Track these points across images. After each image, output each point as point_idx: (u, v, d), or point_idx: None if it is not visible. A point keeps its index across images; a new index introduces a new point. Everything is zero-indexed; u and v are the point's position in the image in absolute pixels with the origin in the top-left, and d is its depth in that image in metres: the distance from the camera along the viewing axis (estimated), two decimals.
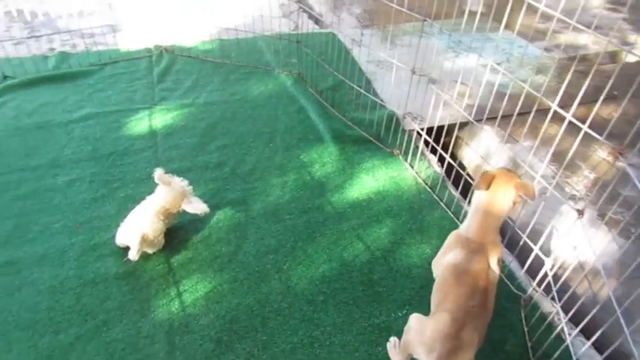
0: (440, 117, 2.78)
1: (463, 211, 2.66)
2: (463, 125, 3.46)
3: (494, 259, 1.84)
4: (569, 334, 1.97)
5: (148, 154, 3.06)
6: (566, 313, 1.93)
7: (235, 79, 3.88)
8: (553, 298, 2.12)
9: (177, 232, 2.55)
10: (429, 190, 2.86)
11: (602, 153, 3.11)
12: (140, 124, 3.32)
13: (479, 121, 2.78)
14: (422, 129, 2.93)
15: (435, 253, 2.45)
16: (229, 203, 2.74)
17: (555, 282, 2.03)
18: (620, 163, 2.95)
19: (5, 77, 3.68)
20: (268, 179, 2.92)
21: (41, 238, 2.49)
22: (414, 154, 3.06)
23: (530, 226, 2.17)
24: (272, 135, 3.29)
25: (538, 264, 2.24)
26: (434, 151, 3.09)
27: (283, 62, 4.07)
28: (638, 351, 2.07)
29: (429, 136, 3.04)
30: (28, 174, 2.87)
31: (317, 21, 5.09)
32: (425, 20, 2.64)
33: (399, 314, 2.19)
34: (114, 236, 2.47)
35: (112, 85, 3.70)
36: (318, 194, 2.82)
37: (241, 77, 3.92)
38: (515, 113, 2.26)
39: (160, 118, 3.38)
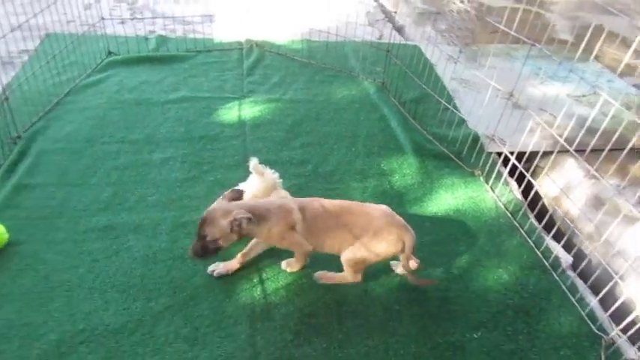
0: (524, 143, 2.76)
1: (544, 244, 2.63)
2: (545, 155, 3.42)
3: None
4: None
5: (236, 143, 3.20)
6: None
7: (320, 81, 3.98)
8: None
9: None
10: (509, 215, 2.84)
11: None
12: (230, 112, 3.47)
13: (563, 152, 2.74)
14: (511, 153, 2.91)
15: (513, 280, 2.46)
16: None
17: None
18: None
19: (110, 53, 3.94)
20: (349, 182, 2.99)
21: (137, 208, 2.66)
22: (497, 178, 3.05)
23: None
24: (354, 139, 3.36)
25: (623, 309, 2.19)
26: (512, 176, 3.07)
27: (368, 69, 4.14)
28: None
29: (508, 161, 3.02)
30: (127, 146, 3.07)
31: (401, 32, 5.13)
32: (533, 45, 2.64)
33: (474, 336, 2.20)
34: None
35: (205, 73, 3.89)
36: (398, 204, 2.87)
37: (326, 79, 4.02)
38: (607, 149, 2.23)
39: (249, 109, 3.53)
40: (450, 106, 3.32)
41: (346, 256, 2.23)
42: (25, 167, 2.83)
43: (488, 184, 3.05)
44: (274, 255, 2.47)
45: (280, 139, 3.28)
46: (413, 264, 2.34)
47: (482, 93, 3.36)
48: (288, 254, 2.40)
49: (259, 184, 2.54)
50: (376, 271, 2.45)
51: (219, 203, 2.18)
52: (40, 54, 3.84)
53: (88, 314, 2.14)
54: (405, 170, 3.12)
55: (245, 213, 2.05)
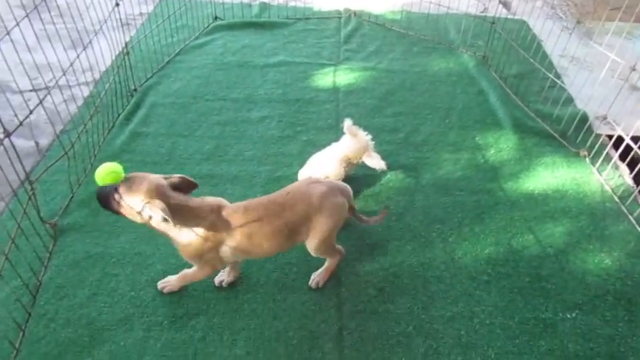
0: (629, 126, 2.52)
1: None
2: None
3: None
4: None
5: (329, 107, 3.26)
6: None
7: (417, 52, 3.90)
8: None
9: (350, 182, 2.65)
10: (616, 200, 2.63)
11: None
12: (325, 78, 3.53)
13: None
14: (634, 138, 2.66)
15: (616, 266, 2.30)
16: (401, 167, 2.82)
17: None
18: None
19: (216, 18, 4.15)
20: (440, 153, 2.94)
21: (236, 160, 2.83)
22: (605, 160, 2.82)
23: None
24: (448, 111, 3.27)
25: None
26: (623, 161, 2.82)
27: (469, 43, 3.98)
28: None
29: (619, 144, 2.77)
30: (228, 104, 3.25)
31: (506, 6, 4.85)
32: None
33: (568, 316, 2.09)
34: (295, 173, 2.71)
35: (303, 39, 3.97)
36: (491, 178, 2.77)
37: (423, 51, 3.93)
38: None
39: (343, 76, 3.56)
40: (558, 82, 3.11)
41: (313, 246, 2.02)
42: (140, 117, 3.10)
43: (594, 166, 2.84)
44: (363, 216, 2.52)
45: (373, 107, 3.28)
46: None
47: (595, 72, 3.11)
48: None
49: (352, 144, 2.57)
50: (464, 240, 2.41)
51: (153, 177, 1.79)
52: (154, 17, 4.14)
53: None
54: (501, 145, 2.99)
55: (164, 211, 1.69)
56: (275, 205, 1.91)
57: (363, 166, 2.68)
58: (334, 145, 2.65)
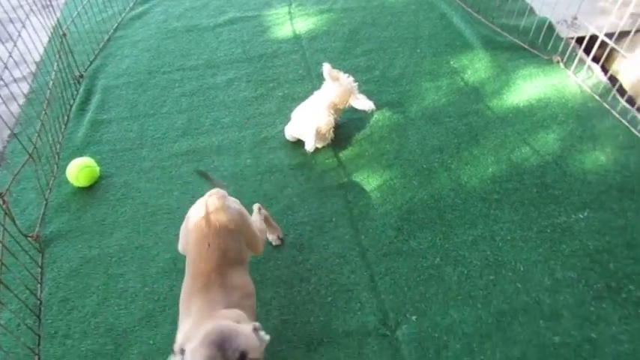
0: (598, 25, 2.54)
1: None
2: (621, 36, 3.17)
3: None
4: None
5: (296, 57, 3.09)
6: None
7: None
8: None
9: (340, 129, 2.60)
10: (597, 98, 2.69)
11: None
12: (283, 28, 3.33)
13: None
14: (592, 36, 2.69)
15: (612, 161, 2.37)
16: (385, 105, 2.74)
17: None
18: None
19: None
20: (420, 83, 2.87)
21: (214, 130, 2.64)
22: (577, 63, 2.85)
23: None
24: (416, 41, 3.18)
25: None
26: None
27: None
28: None
29: (582, 45, 2.80)
30: (189, 73, 3.01)
31: None
32: None
33: (580, 216, 2.15)
34: (281, 131, 2.58)
35: None
36: (475, 99, 2.75)
37: None
38: None
39: (301, 22, 3.37)
40: None
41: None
42: (96, 104, 2.82)
43: (569, 69, 2.87)
44: (363, 161, 2.44)
45: (340, 49, 3.14)
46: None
47: None
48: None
49: (336, 89, 2.45)
50: (466, 164, 2.40)
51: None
52: None
53: None
54: (476, 65, 2.96)
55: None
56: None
57: (348, 110, 2.59)
58: (317, 93, 2.52)
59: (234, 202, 1.73)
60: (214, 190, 1.71)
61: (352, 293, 1.95)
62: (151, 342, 1.83)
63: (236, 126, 2.66)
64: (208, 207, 1.62)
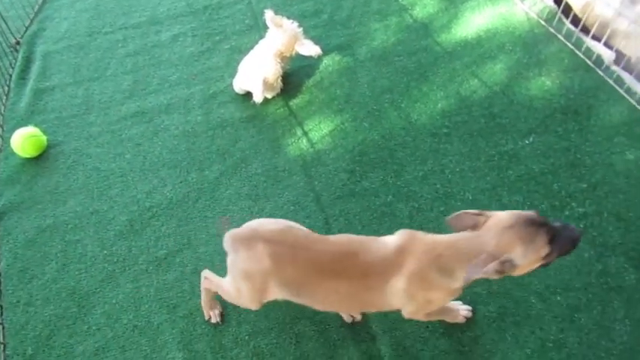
0: None
1: (584, 45, 2.52)
2: None
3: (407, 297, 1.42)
4: None
5: (242, 6, 2.99)
6: None
7: None
8: None
9: (289, 78, 2.57)
10: (543, 24, 2.69)
11: None
12: None
13: None
14: None
15: (557, 85, 2.41)
16: (335, 49, 2.70)
17: None
18: None
19: None
20: (369, 24, 2.82)
21: (162, 89, 2.59)
22: None
23: None
24: None
25: None
26: None
27: None
28: None
29: None
30: (132, 32, 2.90)
31: None
32: None
33: (526, 142, 2.21)
34: (230, 85, 2.54)
35: None
36: (424, 35, 2.72)
37: None
38: None
39: None
40: None
41: None
42: (37, 71, 2.71)
43: None
44: (314, 108, 2.44)
45: None
46: None
47: None
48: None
49: (280, 37, 2.40)
50: (415, 102, 2.41)
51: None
52: None
53: (148, 193, 2.19)
54: (424, 1, 2.91)
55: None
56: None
57: (298, 57, 2.55)
58: (262, 42, 2.46)
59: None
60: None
61: None
62: (114, 301, 1.87)
63: (184, 83, 2.61)
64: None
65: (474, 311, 1.78)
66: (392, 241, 1.44)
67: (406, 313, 1.52)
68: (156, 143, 2.37)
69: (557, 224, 1.31)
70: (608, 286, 1.81)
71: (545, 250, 1.28)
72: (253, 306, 1.59)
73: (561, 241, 1.30)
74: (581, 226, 1.95)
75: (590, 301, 1.78)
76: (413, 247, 1.39)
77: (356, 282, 1.43)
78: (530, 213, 1.31)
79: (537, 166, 2.13)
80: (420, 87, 2.48)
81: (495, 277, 1.27)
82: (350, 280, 1.43)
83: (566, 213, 1.99)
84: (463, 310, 1.75)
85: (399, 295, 1.42)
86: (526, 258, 1.27)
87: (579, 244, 1.34)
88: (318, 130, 2.35)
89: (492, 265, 1.25)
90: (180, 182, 2.21)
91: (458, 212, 1.37)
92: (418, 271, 1.37)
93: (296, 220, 2.01)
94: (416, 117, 2.36)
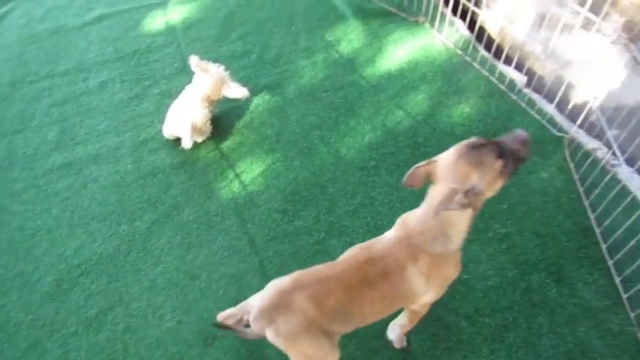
0: None
1: (497, 70, 2.68)
2: None
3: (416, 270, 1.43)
4: (614, 165, 2.10)
5: (171, 50, 3.00)
6: (608, 147, 2.05)
7: None
8: (597, 136, 2.23)
9: (219, 120, 2.60)
10: (460, 53, 2.85)
11: None
12: (156, 20, 3.21)
13: None
14: None
15: (475, 111, 2.54)
16: (264, 88, 2.75)
17: (593, 127, 2.11)
18: None
19: None
20: (297, 62, 2.90)
21: (90, 139, 2.55)
22: (441, 21, 2.99)
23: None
24: (291, 18, 3.19)
25: (578, 109, 2.31)
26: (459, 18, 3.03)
27: None
28: None
29: (449, 2, 2.95)
30: (58, 80, 2.85)
31: None
32: None
33: None
34: (160, 130, 2.53)
35: None
36: (350, 70, 2.82)
37: None
38: None
39: (175, 12, 3.26)
40: None
41: None
42: None
43: (434, 28, 3.00)
44: (246, 149, 2.46)
45: (216, 36, 3.08)
46: None
47: None
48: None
49: (207, 81, 2.43)
50: (344, 136, 2.48)
51: None
52: None
53: (77, 249, 2.13)
54: (350, 36, 3.02)
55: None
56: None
57: (227, 99, 2.58)
58: (188, 87, 2.48)
59: None
60: None
61: (243, 282, 2.00)
62: None
63: (113, 131, 2.58)
64: None
65: (409, 342, 1.83)
66: (391, 234, 1.48)
67: (427, 301, 1.53)
68: (84, 196, 2.32)
69: (500, 138, 1.36)
70: (531, 302, 1.90)
71: (498, 164, 1.31)
72: (333, 356, 1.49)
73: (510, 149, 1.34)
74: (504, 246, 2.05)
75: (517, 319, 1.86)
76: (409, 232, 1.43)
77: (384, 284, 1.44)
78: (470, 140, 1.35)
79: None
80: (347, 121, 2.55)
81: (468, 209, 1.31)
82: (381, 284, 1.44)
83: (490, 234, 2.09)
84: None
85: (419, 282, 1.45)
86: (484, 180, 1.31)
87: (529, 154, 1.37)
88: (250, 172, 2.37)
89: (458, 198, 1.28)
90: (111, 235, 2.17)
91: (410, 170, 1.42)
92: (421, 252, 1.41)
93: (230, 266, 2.05)
94: (345, 151, 2.42)
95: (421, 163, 1.41)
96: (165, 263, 2.07)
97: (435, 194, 1.38)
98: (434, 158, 1.40)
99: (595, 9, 2.16)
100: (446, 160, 1.36)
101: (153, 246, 2.12)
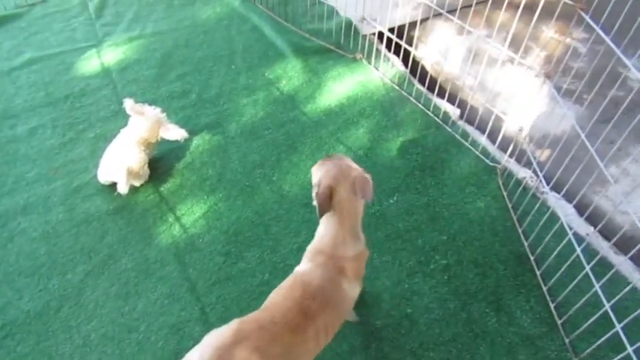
0: (394, 18, 2.80)
1: (432, 104, 2.79)
2: (416, 25, 3.51)
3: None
4: (543, 192, 2.21)
5: (107, 92, 2.93)
6: (537, 176, 2.15)
7: (180, 5, 3.67)
8: (526, 164, 2.34)
9: (159, 162, 2.53)
10: (396, 87, 2.94)
11: (551, 32, 3.27)
12: (90, 62, 3.13)
13: (437, 16, 2.83)
14: (391, 30, 2.93)
15: (413, 144, 2.61)
16: (204, 128, 2.72)
17: (523, 155, 2.23)
18: (569, 40, 3.14)
19: None
20: (237, 100, 2.90)
21: (18, 189, 2.40)
22: (377, 57, 3.10)
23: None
24: (231, 57, 3.20)
25: (508, 139, 2.43)
26: (395, 53, 3.15)
27: None
28: (598, 199, 2.35)
29: (384, 38, 3.07)
30: None
31: None
32: None
33: (391, 201, 2.34)
34: (95, 176, 2.43)
35: (48, 26, 3.41)
36: (291, 107, 2.85)
37: (185, 2, 3.70)
38: (474, 3, 2.33)
39: (110, 54, 3.20)
40: None
41: None
42: None
43: (371, 64, 3.10)
44: (186, 191, 2.40)
45: (154, 77, 3.04)
46: None
47: None
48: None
49: (143, 123, 2.38)
50: (287, 173, 2.48)
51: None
52: None
53: (1, 309, 1.97)
54: (290, 73, 3.07)
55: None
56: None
57: (166, 141, 2.53)
58: (124, 131, 2.41)
59: None
60: None
61: (184, 332, 1.91)
62: None
63: (43, 179, 2.45)
64: None
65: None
66: (309, 265, 1.65)
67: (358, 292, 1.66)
68: (11, 250, 2.17)
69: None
70: (473, 333, 1.92)
71: (319, 171, 1.64)
72: None
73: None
74: (445, 277, 2.08)
75: (460, 351, 1.88)
76: (329, 253, 1.61)
77: (326, 311, 1.48)
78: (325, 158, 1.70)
79: (402, 224, 2.26)
80: (290, 158, 2.56)
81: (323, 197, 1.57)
82: (323, 313, 1.47)
83: (432, 266, 2.12)
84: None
85: (351, 288, 1.59)
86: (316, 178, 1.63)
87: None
88: (191, 214, 2.31)
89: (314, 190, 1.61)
90: (40, 291, 2.03)
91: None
92: (344, 261, 1.58)
93: (170, 315, 1.96)
94: (288, 188, 2.42)
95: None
96: (101, 317, 1.95)
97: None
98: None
99: (519, 44, 2.31)
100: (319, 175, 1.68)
101: (87, 299, 2.00)
